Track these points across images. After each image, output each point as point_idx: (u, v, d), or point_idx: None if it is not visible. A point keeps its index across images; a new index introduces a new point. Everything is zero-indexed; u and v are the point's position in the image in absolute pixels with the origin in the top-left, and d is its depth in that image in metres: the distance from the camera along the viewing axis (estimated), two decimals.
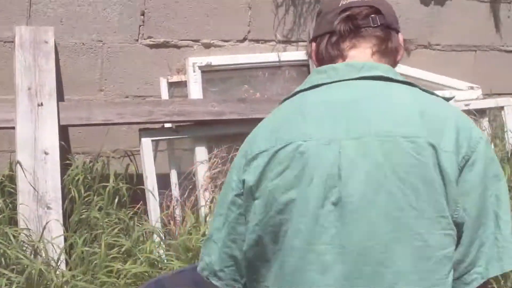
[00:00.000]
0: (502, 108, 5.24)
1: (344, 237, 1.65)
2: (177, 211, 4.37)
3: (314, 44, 1.93)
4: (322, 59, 1.89)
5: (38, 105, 4.15)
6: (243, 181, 1.77)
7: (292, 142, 1.71)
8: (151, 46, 4.71)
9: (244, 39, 4.92)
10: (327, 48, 1.87)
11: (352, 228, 1.64)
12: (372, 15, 1.85)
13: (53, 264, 3.71)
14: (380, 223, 1.64)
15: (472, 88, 5.24)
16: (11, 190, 4.10)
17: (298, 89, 1.84)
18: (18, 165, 4.00)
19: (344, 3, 1.87)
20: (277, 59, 4.92)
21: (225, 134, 4.62)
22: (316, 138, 1.70)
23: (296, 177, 1.69)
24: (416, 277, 1.64)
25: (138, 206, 4.19)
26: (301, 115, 1.76)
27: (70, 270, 3.68)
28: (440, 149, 1.65)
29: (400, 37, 1.91)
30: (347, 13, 1.84)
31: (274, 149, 1.73)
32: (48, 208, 3.97)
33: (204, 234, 3.97)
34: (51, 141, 4.10)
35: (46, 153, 4.07)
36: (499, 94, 5.41)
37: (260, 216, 1.73)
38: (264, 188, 1.73)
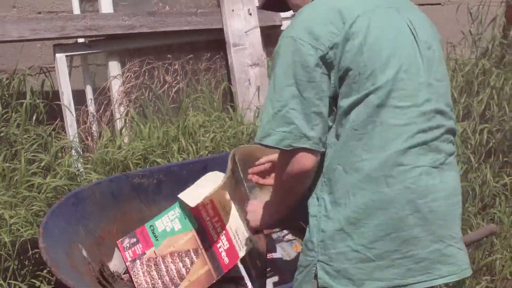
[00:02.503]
0: None
1: None
2: (94, 127, 4.47)
3: None
4: None
5: None
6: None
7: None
8: None
9: None
10: None
11: None
12: None
13: None
14: None
15: None
16: None
17: None
18: None
19: None
20: None
21: (137, 48, 4.72)
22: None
23: None
24: None
25: (56, 122, 4.25)
26: None
27: None
28: None
29: None
30: None
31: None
32: None
33: (120, 147, 4.13)
34: None
35: None
36: None
37: None
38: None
